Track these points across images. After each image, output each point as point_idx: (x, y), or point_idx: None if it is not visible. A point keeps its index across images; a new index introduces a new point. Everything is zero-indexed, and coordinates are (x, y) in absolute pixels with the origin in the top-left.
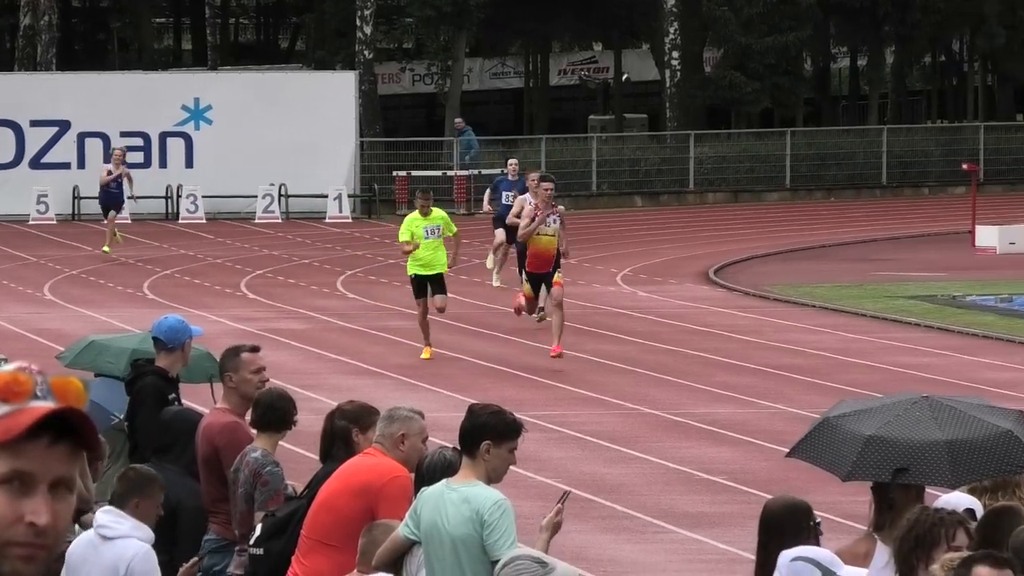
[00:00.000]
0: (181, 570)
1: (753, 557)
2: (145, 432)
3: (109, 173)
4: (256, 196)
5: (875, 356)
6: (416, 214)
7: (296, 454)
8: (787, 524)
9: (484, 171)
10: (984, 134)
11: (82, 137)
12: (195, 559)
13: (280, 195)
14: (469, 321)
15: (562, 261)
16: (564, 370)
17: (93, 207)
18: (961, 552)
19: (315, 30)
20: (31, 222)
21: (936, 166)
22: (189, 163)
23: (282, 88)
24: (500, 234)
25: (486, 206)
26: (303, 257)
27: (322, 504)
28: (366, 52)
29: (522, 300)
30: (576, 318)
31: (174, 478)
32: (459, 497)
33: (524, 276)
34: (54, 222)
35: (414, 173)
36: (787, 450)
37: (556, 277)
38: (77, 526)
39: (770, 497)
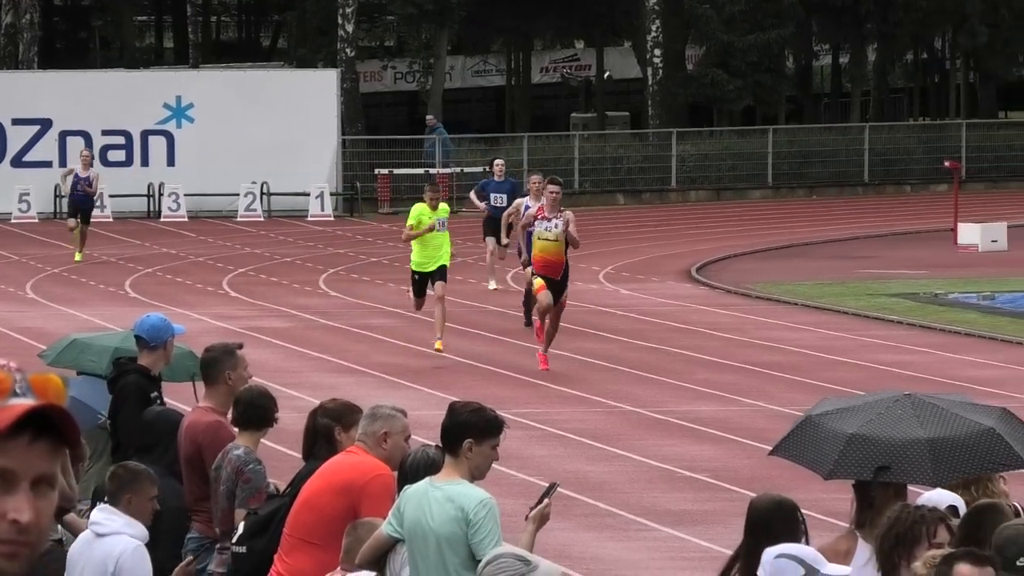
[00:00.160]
0: (176, 571)
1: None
2: (127, 431)
3: (74, 174)
4: (238, 194)
5: (857, 354)
6: (424, 206)
7: (278, 452)
8: (774, 521)
9: (466, 169)
10: (966, 132)
11: (64, 135)
12: (190, 558)
13: (262, 193)
14: (451, 319)
15: (567, 283)
16: (547, 368)
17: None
18: (943, 549)
19: (297, 28)
20: (13, 221)
21: (918, 164)
22: (171, 161)
23: (264, 86)
24: (491, 242)
25: (480, 204)
26: (285, 255)
27: (304, 502)
28: (348, 50)
29: (541, 293)
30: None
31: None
32: (444, 495)
33: (531, 272)
34: (36, 221)
35: (396, 171)
36: (769, 448)
37: (563, 297)
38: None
39: (755, 495)
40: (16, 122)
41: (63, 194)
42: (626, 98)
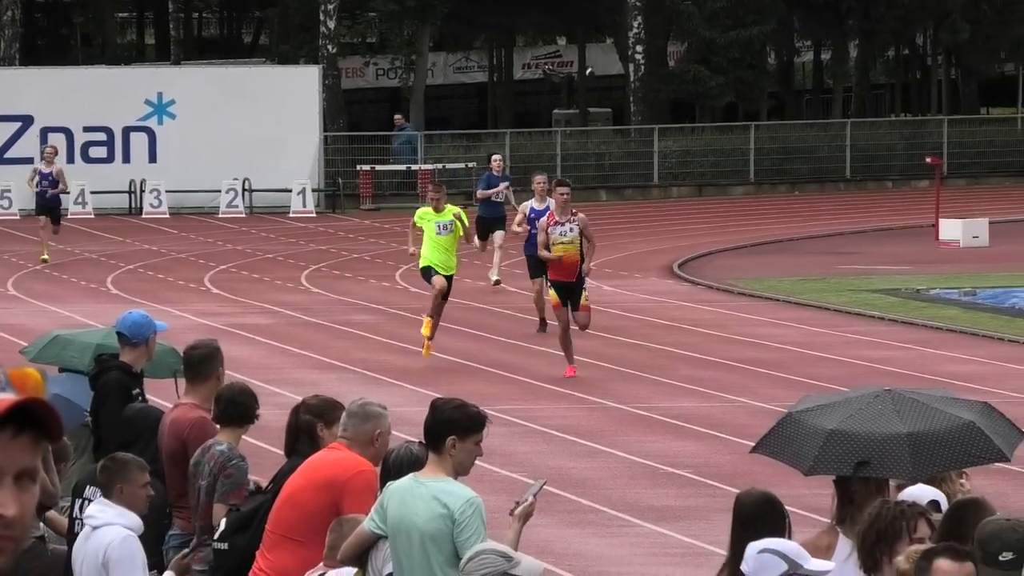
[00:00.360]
0: (172, 562)
1: (718, 550)
2: (109, 427)
3: (39, 173)
4: (220, 191)
5: (839, 350)
6: (428, 209)
7: (261, 448)
8: (761, 517)
9: (448, 165)
10: (947, 128)
11: (45, 132)
12: (186, 551)
13: (244, 190)
14: None
15: (585, 278)
16: (529, 365)
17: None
18: (925, 544)
19: (278, 24)
20: None
21: (900, 160)
22: (152, 158)
23: (245, 83)
24: (499, 236)
25: (500, 189)
26: (267, 252)
27: (287, 499)
28: (330, 46)
29: (559, 311)
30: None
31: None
32: (429, 493)
33: (548, 283)
34: (17, 217)
35: (378, 167)
36: (752, 444)
37: (583, 300)
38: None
39: (740, 491)
40: None
41: (34, 192)
42: (608, 94)
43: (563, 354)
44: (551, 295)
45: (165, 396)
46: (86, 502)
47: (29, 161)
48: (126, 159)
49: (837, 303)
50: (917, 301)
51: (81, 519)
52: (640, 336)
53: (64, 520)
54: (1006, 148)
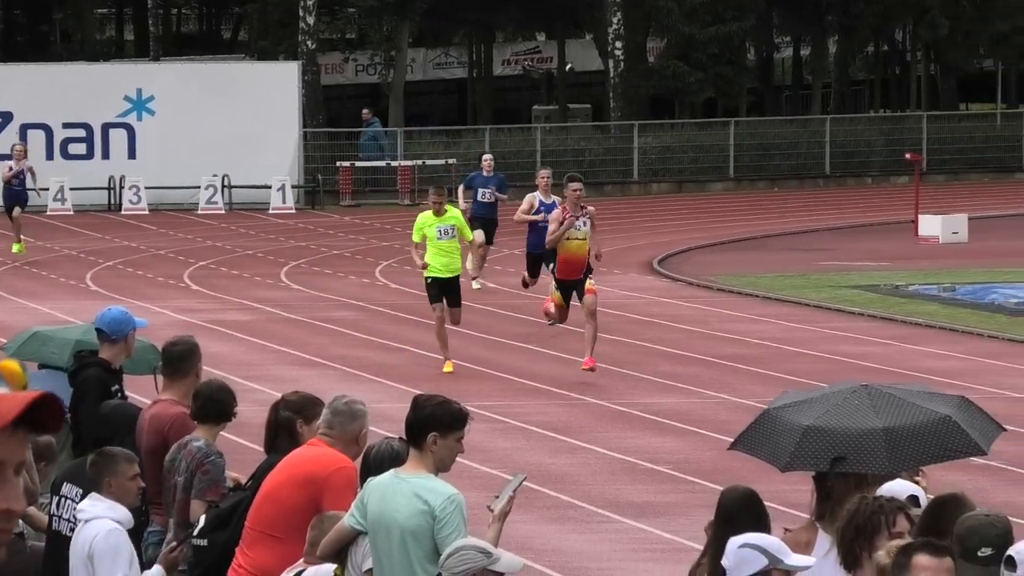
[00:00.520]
0: (160, 556)
1: (697, 545)
2: (88, 424)
3: (10, 170)
4: (199, 187)
5: (818, 345)
6: (429, 213)
7: (240, 445)
8: (743, 512)
9: (428, 162)
10: (927, 124)
11: (25, 128)
12: (175, 544)
13: (223, 186)
14: (414, 312)
15: (594, 265)
16: (509, 361)
17: (38, 198)
18: (904, 539)
19: (258, 20)
20: None
21: (879, 156)
22: (132, 154)
23: (225, 79)
24: (479, 235)
25: (461, 203)
26: (246, 248)
27: (266, 495)
28: (309, 42)
29: (551, 307)
30: (520, 309)
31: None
32: (410, 489)
33: (554, 284)
34: None
35: (358, 164)
36: (731, 439)
37: (589, 283)
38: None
39: (723, 487)
40: None
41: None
42: (588, 90)
43: (547, 318)
44: (554, 296)
45: (145, 392)
46: (64, 499)
47: (9, 158)
48: (105, 155)
49: (816, 299)
50: (896, 297)
51: (59, 515)
52: (620, 332)
53: (43, 516)
54: (985, 144)
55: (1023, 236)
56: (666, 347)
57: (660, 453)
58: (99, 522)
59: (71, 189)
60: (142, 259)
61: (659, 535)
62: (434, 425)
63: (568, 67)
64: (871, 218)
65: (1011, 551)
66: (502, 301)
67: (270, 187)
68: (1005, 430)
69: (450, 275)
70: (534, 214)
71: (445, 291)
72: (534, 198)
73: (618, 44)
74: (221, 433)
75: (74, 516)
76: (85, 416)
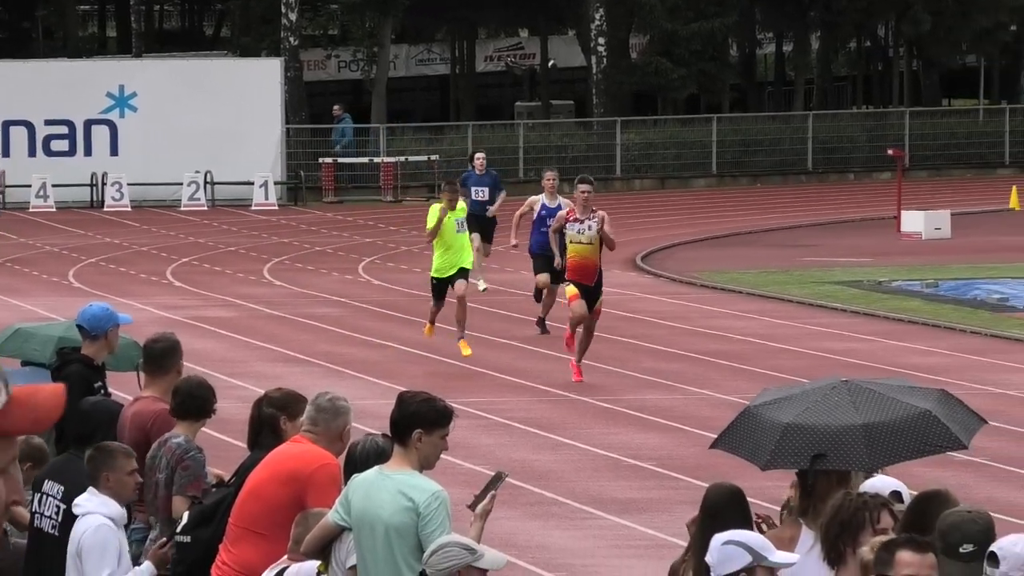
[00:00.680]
0: (151, 552)
1: (681, 542)
2: (70, 420)
3: None
4: (182, 183)
5: (801, 342)
6: (443, 205)
7: (223, 442)
8: (728, 509)
9: (411, 158)
10: (909, 120)
11: (7, 125)
12: (163, 540)
13: (206, 182)
14: (398, 308)
15: (602, 287)
16: (493, 358)
17: (20, 195)
18: (888, 535)
19: (240, 17)
20: None
21: (861, 152)
22: (114, 151)
23: (207, 75)
24: (475, 237)
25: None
26: (229, 244)
27: (250, 492)
28: (291, 39)
29: (575, 304)
30: (504, 305)
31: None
32: (395, 486)
33: (566, 281)
34: None
35: (340, 160)
36: (714, 436)
37: (598, 304)
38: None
39: (706, 484)
40: None
41: None
42: (570, 87)
43: (571, 353)
44: (568, 289)
45: (129, 389)
46: (45, 496)
47: None
48: (88, 152)
49: (799, 295)
50: (879, 293)
51: (42, 513)
52: (603, 328)
53: (27, 514)
54: (968, 140)
55: (1006, 232)
56: (649, 343)
57: (643, 449)
58: (90, 518)
59: (54, 186)
60: (125, 256)
61: (642, 531)
62: (419, 422)
63: (551, 63)
64: (854, 214)
65: (994, 547)
66: (485, 298)
67: (253, 183)
68: (987, 423)
69: (454, 272)
70: (537, 217)
71: (450, 283)
72: (536, 201)
73: (601, 40)
74: (204, 429)
75: (56, 513)
76: (67, 413)
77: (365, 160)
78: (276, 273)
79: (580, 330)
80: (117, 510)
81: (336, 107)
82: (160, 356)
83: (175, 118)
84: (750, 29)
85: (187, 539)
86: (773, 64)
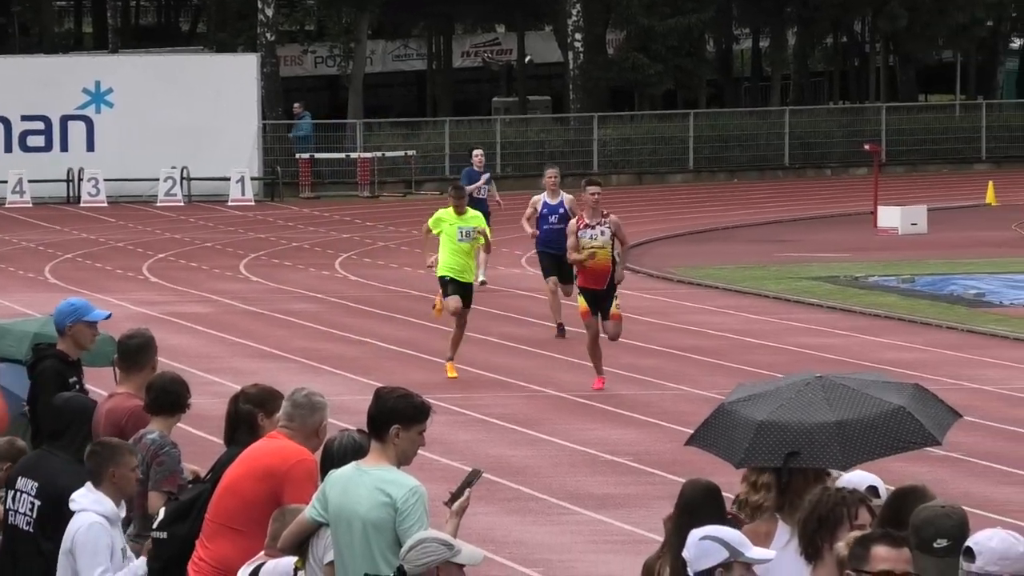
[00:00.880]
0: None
1: (658, 537)
2: (43, 416)
3: None
4: (158, 179)
5: (778, 337)
6: (450, 210)
7: (199, 437)
8: (705, 505)
9: (387, 153)
10: (886, 115)
11: None
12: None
13: (182, 178)
14: (375, 304)
15: (617, 286)
16: (470, 354)
17: None
18: (865, 530)
19: (216, 12)
20: None
21: (838, 147)
22: (90, 146)
23: (183, 71)
24: None
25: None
26: (205, 240)
27: (226, 488)
28: (267, 34)
29: (587, 320)
30: (480, 300)
31: (62, 465)
32: (372, 481)
33: (578, 290)
34: None
35: (317, 155)
36: (691, 431)
37: (614, 308)
38: None
39: (683, 479)
40: None
41: None
42: (547, 82)
43: (591, 364)
44: (579, 301)
45: (107, 385)
46: (19, 493)
47: None
48: (64, 148)
49: (776, 291)
50: (856, 288)
51: (16, 510)
52: (579, 324)
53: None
54: (944, 135)
55: (982, 227)
56: (626, 339)
57: (620, 445)
58: (84, 515)
59: (30, 181)
60: (101, 251)
61: (619, 527)
62: (396, 418)
63: (528, 59)
64: (830, 209)
65: (970, 542)
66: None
67: (229, 179)
68: (961, 417)
69: (464, 280)
70: (539, 215)
71: (458, 291)
72: (538, 201)
73: (578, 36)
74: (180, 425)
75: (30, 510)
76: (42, 408)
77: (342, 156)
78: (252, 269)
79: (602, 337)
80: (111, 508)
81: (296, 105)
82: (135, 352)
83: (151, 114)
84: (727, 25)
85: (163, 535)
86: (750, 60)
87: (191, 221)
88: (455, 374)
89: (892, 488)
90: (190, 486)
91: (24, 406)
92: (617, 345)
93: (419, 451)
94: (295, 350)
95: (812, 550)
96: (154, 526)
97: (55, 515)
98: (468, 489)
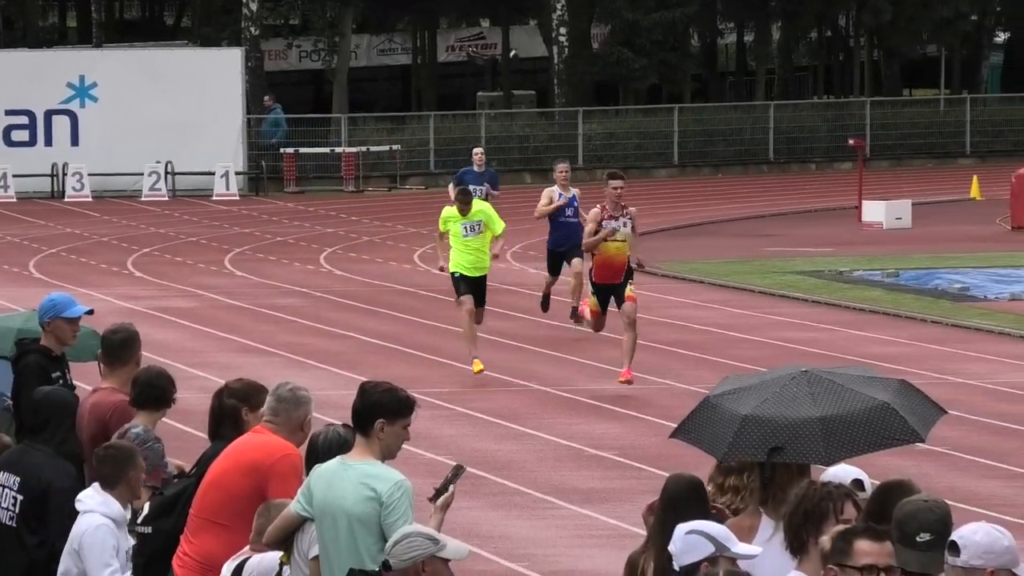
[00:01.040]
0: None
1: (643, 531)
2: (24, 411)
3: None
4: (143, 174)
5: (763, 331)
6: (453, 209)
7: (184, 432)
8: (689, 500)
9: (372, 148)
10: (870, 109)
11: None
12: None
13: (167, 172)
14: (359, 299)
15: (634, 268)
16: (454, 348)
17: None
18: (851, 525)
19: (200, 6)
20: None
21: (823, 142)
22: (75, 141)
23: (168, 65)
24: None
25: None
26: (190, 235)
27: (211, 483)
28: (252, 28)
29: (587, 312)
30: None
31: (44, 459)
32: (357, 476)
33: (591, 289)
34: None
35: (302, 150)
36: (675, 425)
37: (629, 290)
38: None
39: (667, 474)
40: None
41: None
42: (532, 77)
43: (583, 319)
44: (590, 302)
45: (92, 380)
46: (1, 488)
47: None
48: (48, 142)
49: (761, 285)
50: (840, 283)
51: None
52: (564, 318)
53: None
54: (929, 130)
55: (966, 221)
56: (611, 333)
57: (605, 439)
58: (90, 516)
59: (14, 176)
60: (85, 246)
61: (604, 521)
62: (381, 412)
63: (512, 53)
64: (815, 204)
65: (954, 536)
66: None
67: (214, 173)
68: (946, 413)
69: (478, 274)
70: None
71: (472, 289)
72: (553, 192)
73: (562, 30)
74: (164, 420)
75: (12, 504)
76: (25, 403)
77: (327, 150)
78: (237, 263)
79: (624, 338)
80: (118, 510)
81: (267, 97)
82: (119, 346)
83: (136, 108)
84: (711, 19)
85: (148, 530)
86: (734, 54)
87: (176, 216)
88: (482, 367)
89: (877, 482)
90: (175, 481)
91: (8, 401)
92: (602, 339)
93: (404, 445)
94: (280, 345)
95: (797, 544)
96: (139, 521)
97: (37, 509)
98: (452, 485)
